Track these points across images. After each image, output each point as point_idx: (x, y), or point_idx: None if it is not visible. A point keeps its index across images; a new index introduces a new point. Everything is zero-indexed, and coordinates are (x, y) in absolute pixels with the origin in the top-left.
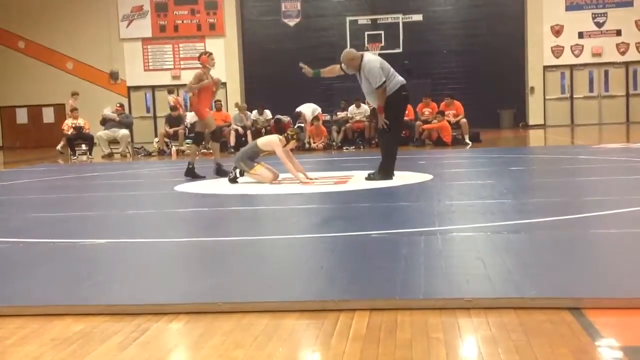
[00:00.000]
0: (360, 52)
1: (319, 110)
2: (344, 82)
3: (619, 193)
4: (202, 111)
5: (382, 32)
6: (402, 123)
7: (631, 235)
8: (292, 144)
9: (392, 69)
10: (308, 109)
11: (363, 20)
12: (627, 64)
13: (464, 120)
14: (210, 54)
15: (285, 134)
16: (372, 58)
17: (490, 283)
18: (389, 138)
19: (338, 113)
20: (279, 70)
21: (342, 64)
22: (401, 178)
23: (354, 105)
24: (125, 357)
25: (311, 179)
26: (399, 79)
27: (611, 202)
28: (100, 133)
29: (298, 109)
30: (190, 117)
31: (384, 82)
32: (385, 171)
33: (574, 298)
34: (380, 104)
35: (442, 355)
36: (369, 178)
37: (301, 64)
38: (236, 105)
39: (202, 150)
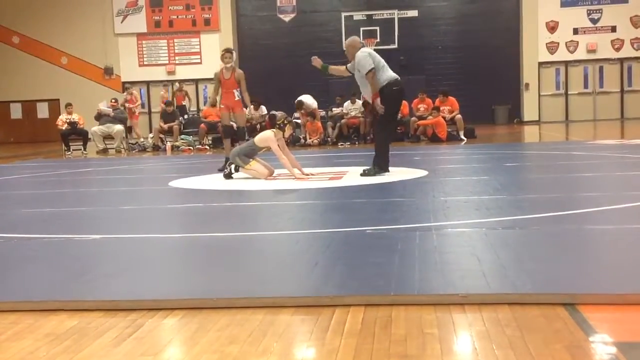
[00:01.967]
0: (362, 45)
1: (315, 104)
2: (340, 78)
3: (613, 189)
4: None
5: (378, 28)
6: (395, 118)
7: (626, 231)
8: (288, 129)
9: (383, 64)
10: (311, 100)
11: (358, 15)
12: (621, 61)
13: (459, 116)
14: (225, 52)
15: (277, 125)
16: (364, 49)
17: (485, 279)
18: (382, 133)
19: (333, 109)
20: (274, 65)
21: (348, 63)
22: (396, 174)
23: (349, 101)
24: (119, 353)
25: (307, 174)
26: (390, 74)
27: (606, 198)
28: (95, 128)
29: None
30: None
31: (372, 68)
32: (380, 166)
33: (569, 294)
34: (373, 90)
35: (437, 351)
36: (364, 174)
37: (314, 57)
38: None
39: (197, 146)
